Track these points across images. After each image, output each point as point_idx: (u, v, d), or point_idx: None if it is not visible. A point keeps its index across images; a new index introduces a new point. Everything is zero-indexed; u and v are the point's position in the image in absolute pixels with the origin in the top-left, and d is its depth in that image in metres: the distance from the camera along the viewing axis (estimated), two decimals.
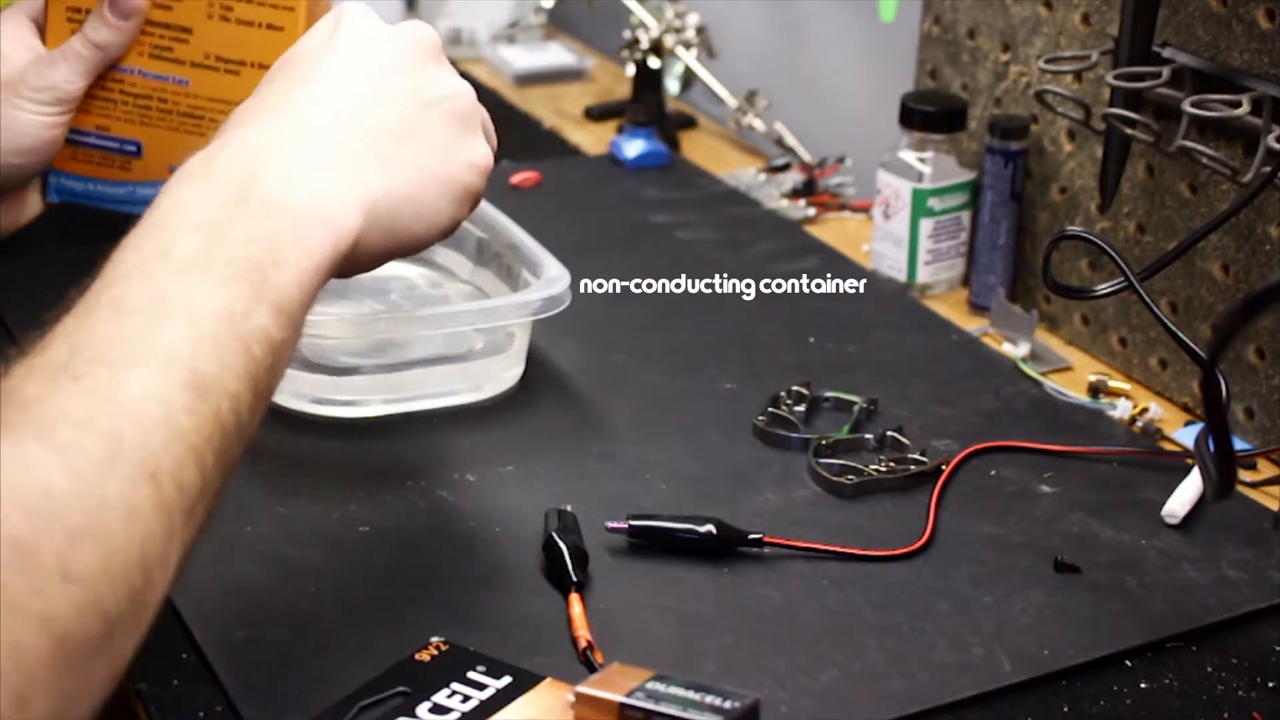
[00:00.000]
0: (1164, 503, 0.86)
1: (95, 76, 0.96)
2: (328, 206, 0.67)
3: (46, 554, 0.53)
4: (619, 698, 0.65)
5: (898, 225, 1.12)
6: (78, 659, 0.53)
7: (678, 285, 1.12)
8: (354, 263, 0.69)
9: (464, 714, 0.67)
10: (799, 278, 1.13)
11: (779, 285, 1.12)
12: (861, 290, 1.12)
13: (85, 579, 0.54)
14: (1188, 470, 0.88)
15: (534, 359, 0.97)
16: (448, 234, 0.74)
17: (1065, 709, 0.72)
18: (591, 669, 0.71)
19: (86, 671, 0.54)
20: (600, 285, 1.08)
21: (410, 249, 0.73)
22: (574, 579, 0.76)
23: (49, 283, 1.03)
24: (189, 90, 0.98)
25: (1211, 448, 0.67)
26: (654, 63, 1.37)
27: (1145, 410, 0.96)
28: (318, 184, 0.68)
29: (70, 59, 0.94)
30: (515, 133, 1.36)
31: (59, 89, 0.94)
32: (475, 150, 0.75)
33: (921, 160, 1.11)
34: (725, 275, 1.14)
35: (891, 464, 0.88)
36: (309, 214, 0.66)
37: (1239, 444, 0.94)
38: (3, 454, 0.54)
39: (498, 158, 0.77)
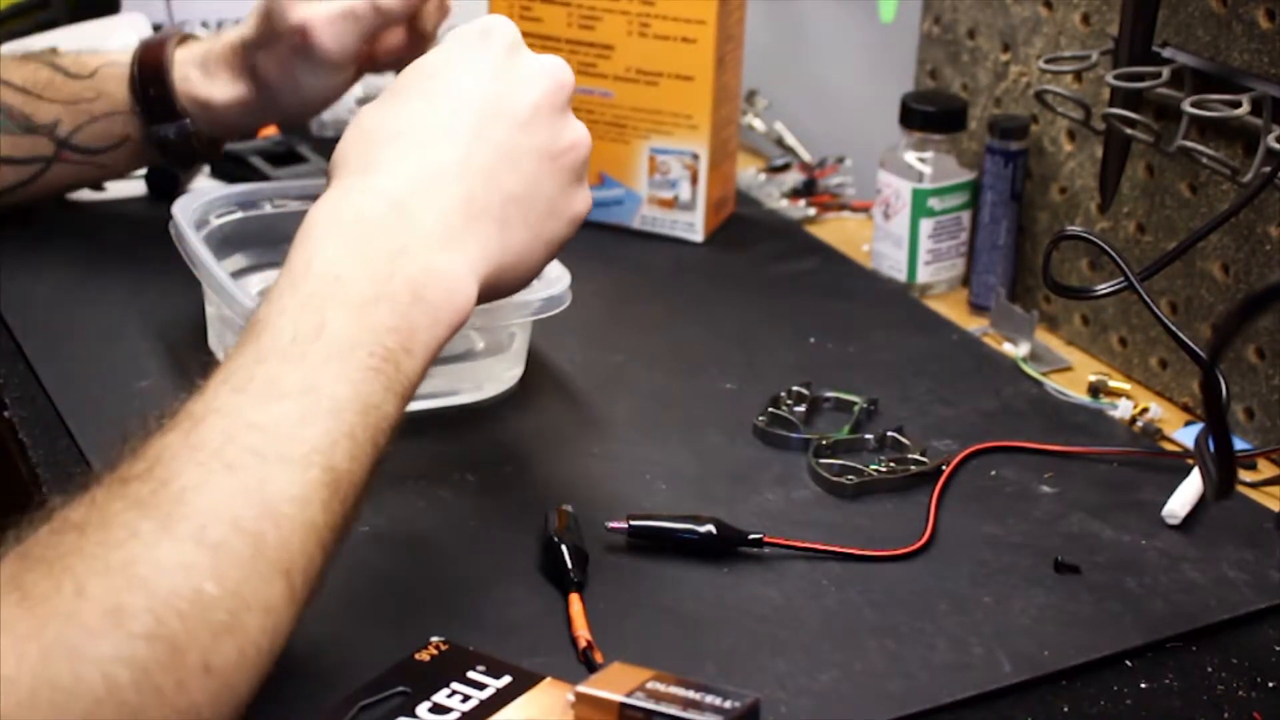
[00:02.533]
0: (1164, 503, 0.86)
1: (370, 36, 1.03)
2: (459, 292, 0.71)
3: (193, 653, 0.58)
4: (619, 697, 0.65)
5: (898, 225, 1.12)
6: None
7: (678, 285, 1.12)
8: None
9: (464, 714, 0.67)
10: (799, 278, 1.13)
11: (779, 285, 1.12)
12: (861, 290, 1.12)
13: (223, 672, 0.59)
14: (1188, 470, 0.88)
15: (534, 359, 0.97)
16: (527, 285, 0.79)
17: (1065, 709, 0.72)
18: (591, 669, 0.71)
19: None
20: (600, 285, 1.08)
21: (495, 299, 0.77)
22: (574, 579, 0.76)
23: (49, 283, 1.04)
24: (613, 102, 1.12)
25: (1211, 448, 0.67)
26: None
27: (1145, 410, 0.96)
28: (453, 268, 0.71)
29: (346, 23, 1.01)
30: None
31: (327, 55, 1.01)
32: (579, 203, 0.78)
33: (921, 160, 1.11)
34: (726, 275, 1.14)
35: (891, 464, 0.88)
36: (444, 303, 0.70)
37: (1239, 444, 0.94)
38: (166, 556, 0.59)
39: None
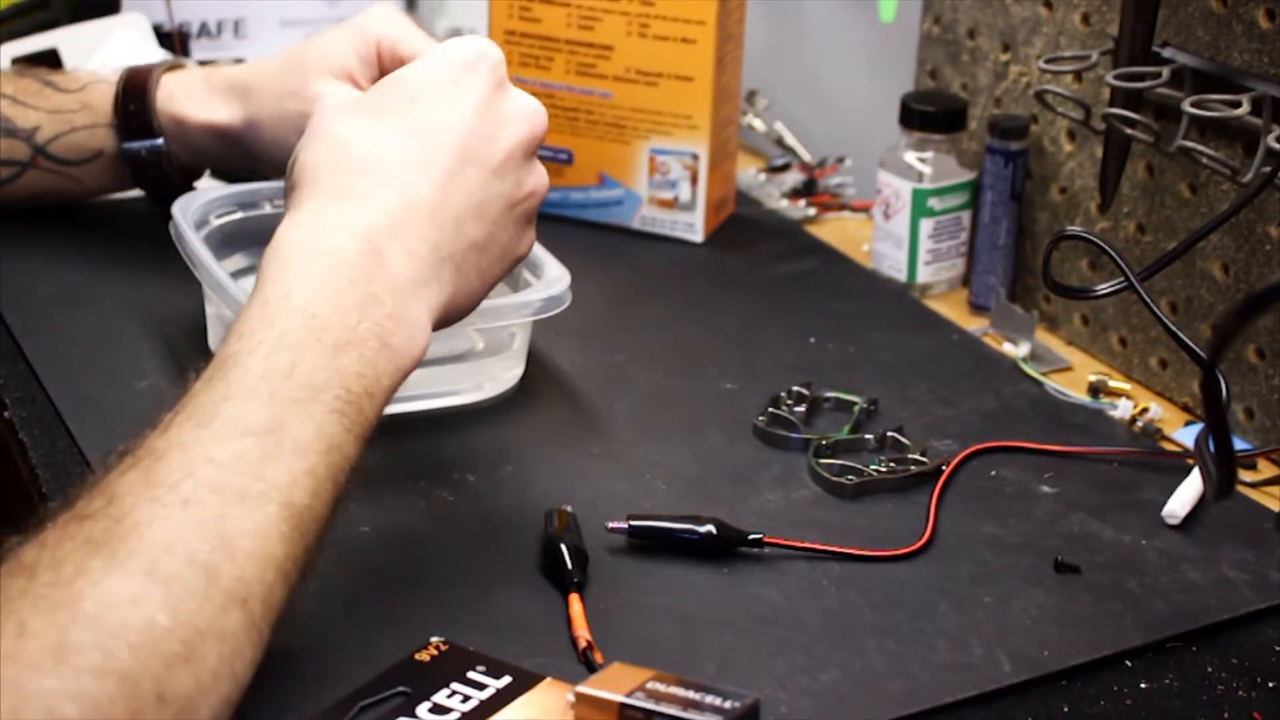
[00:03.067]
0: (1164, 503, 0.86)
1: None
2: (418, 339, 0.73)
3: (146, 682, 0.58)
4: (619, 698, 0.65)
5: (898, 225, 1.12)
6: None
7: (678, 285, 1.12)
8: None
9: (464, 714, 0.67)
10: (799, 278, 1.13)
11: (779, 285, 1.12)
12: (861, 290, 1.12)
13: (179, 699, 0.59)
14: (1188, 470, 0.88)
15: (534, 359, 0.97)
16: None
17: (1065, 709, 0.72)
18: (591, 669, 0.71)
19: None
20: (600, 285, 1.08)
21: (439, 329, 0.77)
22: (574, 579, 0.76)
23: (49, 283, 1.04)
24: (612, 102, 1.13)
25: (1211, 448, 0.67)
26: None
27: (1145, 410, 0.96)
28: (417, 316, 0.73)
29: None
30: None
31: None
32: (525, 246, 0.80)
33: (921, 160, 1.11)
34: (726, 275, 1.14)
35: (891, 464, 0.88)
36: (405, 349, 0.72)
37: (1239, 444, 0.94)
38: (116, 589, 0.59)
39: None
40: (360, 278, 0.71)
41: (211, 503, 0.63)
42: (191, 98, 1.04)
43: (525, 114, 0.78)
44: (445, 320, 0.77)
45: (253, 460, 0.65)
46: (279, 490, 0.65)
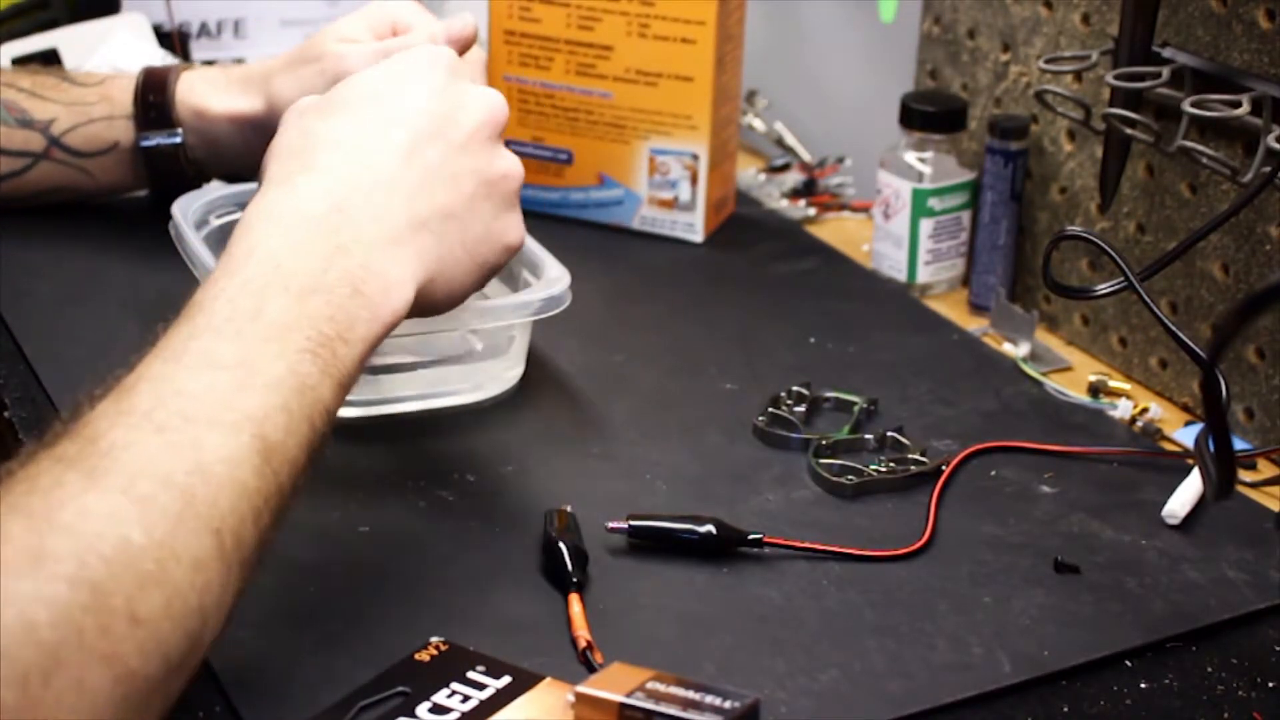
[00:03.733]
0: (1164, 503, 0.86)
1: None
2: (395, 292, 0.73)
3: (117, 597, 0.57)
4: (619, 698, 0.65)
5: (898, 225, 1.12)
6: (135, 696, 0.57)
7: (678, 285, 1.12)
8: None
9: (464, 714, 0.67)
10: (799, 278, 1.13)
11: (779, 285, 1.12)
12: (861, 290, 1.12)
13: (149, 620, 0.58)
14: (1188, 470, 0.88)
15: (534, 359, 0.97)
16: (457, 305, 0.80)
17: (1065, 709, 0.72)
18: (591, 669, 0.71)
19: (145, 707, 0.58)
20: (600, 285, 1.08)
21: (427, 315, 0.79)
22: (574, 579, 0.76)
23: (49, 282, 1.04)
24: (612, 103, 1.13)
25: (1211, 448, 0.67)
26: None
27: (1145, 410, 0.96)
28: (390, 268, 0.73)
29: (378, 58, 0.99)
30: None
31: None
32: (513, 232, 0.80)
33: (921, 160, 1.11)
34: (726, 275, 1.14)
35: (891, 464, 0.88)
36: (381, 299, 0.72)
37: (1239, 444, 0.94)
38: (91, 505, 0.59)
39: None
40: (327, 231, 0.72)
41: (185, 430, 0.63)
42: (213, 90, 1.05)
43: (483, 99, 0.80)
44: (435, 292, 0.77)
45: (224, 391, 0.65)
46: (252, 421, 0.64)
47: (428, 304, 0.77)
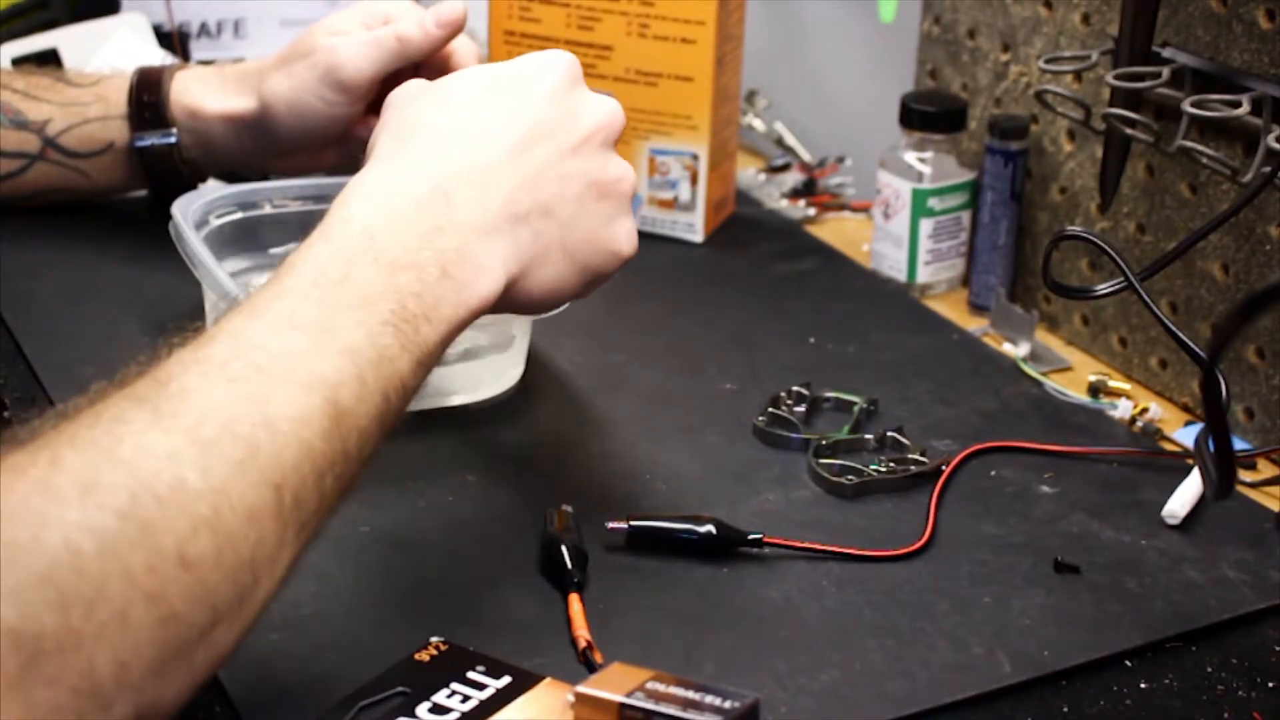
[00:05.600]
0: (1164, 503, 0.86)
1: (385, 73, 1.02)
2: (485, 279, 0.72)
3: (168, 537, 0.57)
4: (619, 698, 0.65)
5: (898, 225, 1.12)
6: (178, 641, 0.57)
7: (678, 285, 1.12)
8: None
9: (464, 714, 0.67)
10: (799, 278, 1.13)
11: (779, 285, 1.12)
12: (861, 290, 1.12)
13: (199, 566, 0.58)
14: (1188, 470, 0.88)
15: (534, 359, 0.97)
16: (558, 307, 0.79)
17: (1065, 709, 0.72)
18: (591, 669, 0.71)
19: (186, 655, 0.58)
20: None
21: (523, 312, 0.78)
22: (574, 579, 0.76)
23: (49, 282, 1.04)
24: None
25: (1211, 448, 0.67)
26: None
27: (1145, 410, 0.96)
28: (483, 255, 0.72)
29: (368, 48, 1.01)
30: None
31: (343, 73, 1.01)
32: (624, 239, 0.78)
33: (921, 160, 1.11)
34: (726, 275, 1.14)
35: (891, 464, 0.88)
36: (471, 283, 0.71)
37: (1239, 444, 0.94)
38: (153, 442, 0.59)
39: None
40: (425, 212, 0.71)
41: (257, 382, 0.62)
42: (207, 89, 1.05)
43: (603, 106, 0.79)
44: (530, 290, 0.75)
45: (301, 351, 0.64)
46: (325, 385, 0.64)
47: (522, 299, 0.76)
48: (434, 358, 0.70)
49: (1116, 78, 0.96)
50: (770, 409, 0.93)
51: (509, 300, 0.74)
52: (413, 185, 0.72)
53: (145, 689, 0.56)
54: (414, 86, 0.79)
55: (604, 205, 0.77)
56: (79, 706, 0.54)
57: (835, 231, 1.23)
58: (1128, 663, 0.75)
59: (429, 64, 1.04)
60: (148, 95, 1.05)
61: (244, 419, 0.61)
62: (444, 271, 0.70)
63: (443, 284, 0.70)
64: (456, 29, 1.03)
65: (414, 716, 0.67)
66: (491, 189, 0.74)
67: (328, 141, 1.05)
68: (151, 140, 1.06)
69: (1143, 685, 0.74)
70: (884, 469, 0.88)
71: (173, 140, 1.06)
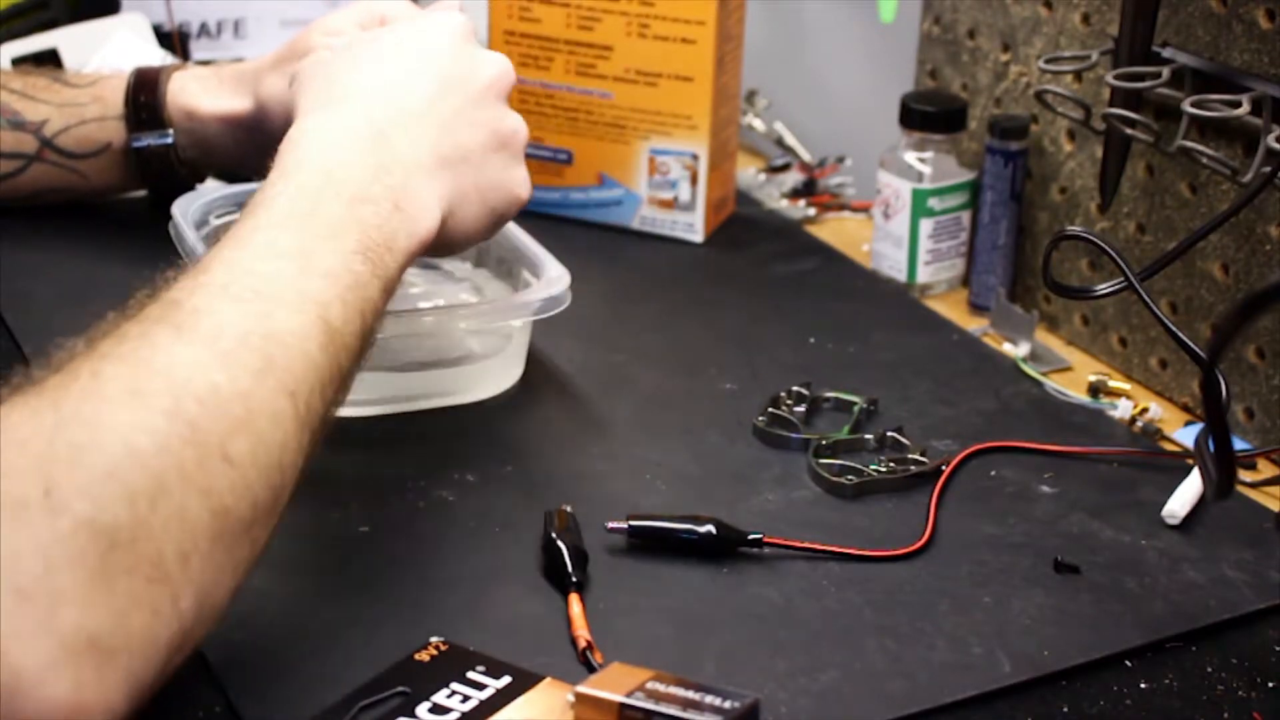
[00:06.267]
0: (1164, 503, 0.86)
1: None
2: (428, 214, 0.79)
3: (212, 436, 0.61)
4: (619, 698, 0.65)
5: (898, 225, 1.12)
6: (228, 534, 0.61)
7: (678, 285, 1.12)
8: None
9: (464, 714, 0.67)
10: (799, 278, 1.13)
11: (779, 285, 1.12)
12: (861, 290, 1.12)
13: (239, 463, 0.62)
14: (1188, 470, 0.88)
15: (534, 359, 0.97)
16: (469, 247, 0.89)
17: (1065, 709, 0.72)
18: (591, 669, 0.71)
19: (234, 549, 0.62)
20: (600, 285, 1.08)
21: (442, 253, 0.87)
22: (574, 579, 0.76)
23: (49, 283, 1.04)
24: (613, 102, 1.13)
25: (1211, 448, 0.67)
26: None
27: (1145, 410, 0.96)
28: (424, 194, 0.79)
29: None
30: None
31: None
32: (521, 185, 0.86)
33: (921, 160, 1.11)
34: (726, 275, 1.14)
35: (891, 464, 0.88)
36: (419, 217, 0.78)
37: (1239, 444, 0.94)
38: (180, 354, 0.63)
39: None
40: (371, 149, 0.78)
41: (257, 302, 0.67)
42: (204, 90, 1.05)
43: (495, 60, 0.86)
44: (452, 229, 0.82)
45: (289, 275, 0.69)
46: (316, 304, 0.69)
47: (444, 239, 0.82)
48: (395, 285, 0.76)
49: (1116, 78, 0.96)
50: (770, 409, 0.93)
51: (438, 239, 0.80)
52: (355, 128, 0.78)
53: (205, 582, 0.60)
54: (322, 54, 0.86)
55: (503, 154, 0.85)
56: (153, 596, 0.58)
57: (835, 231, 1.23)
58: (1128, 663, 0.75)
59: None
60: (144, 96, 1.06)
61: (254, 332, 0.65)
62: (395, 205, 0.76)
63: (396, 217, 0.76)
64: None
65: (414, 716, 0.67)
66: (421, 133, 0.80)
67: None
68: (148, 141, 1.06)
69: (1143, 685, 0.74)
70: (884, 469, 0.88)
71: (169, 141, 1.06)
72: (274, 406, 0.64)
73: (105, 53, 1.24)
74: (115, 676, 0.56)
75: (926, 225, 1.11)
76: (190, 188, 1.07)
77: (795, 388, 0.95)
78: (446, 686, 0.68)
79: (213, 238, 0.97)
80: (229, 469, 0.61)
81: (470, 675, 0.69)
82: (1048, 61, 1.02)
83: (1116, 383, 1.00)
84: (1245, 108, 0.89)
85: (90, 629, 0.56)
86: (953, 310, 1.11)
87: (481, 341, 0.96)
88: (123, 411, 0.59)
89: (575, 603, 0.75)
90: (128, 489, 0.58)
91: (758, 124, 1.35)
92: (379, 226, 0.75)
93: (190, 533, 0.59)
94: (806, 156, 1.32)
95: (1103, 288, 0.93)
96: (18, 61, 1.24)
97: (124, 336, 0.63)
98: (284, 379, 0.65)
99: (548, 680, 0.69)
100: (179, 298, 0.66)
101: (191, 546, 0.59)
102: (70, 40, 1.25)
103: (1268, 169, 0.88)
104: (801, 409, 0.93)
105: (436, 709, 0.67)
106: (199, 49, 1.37)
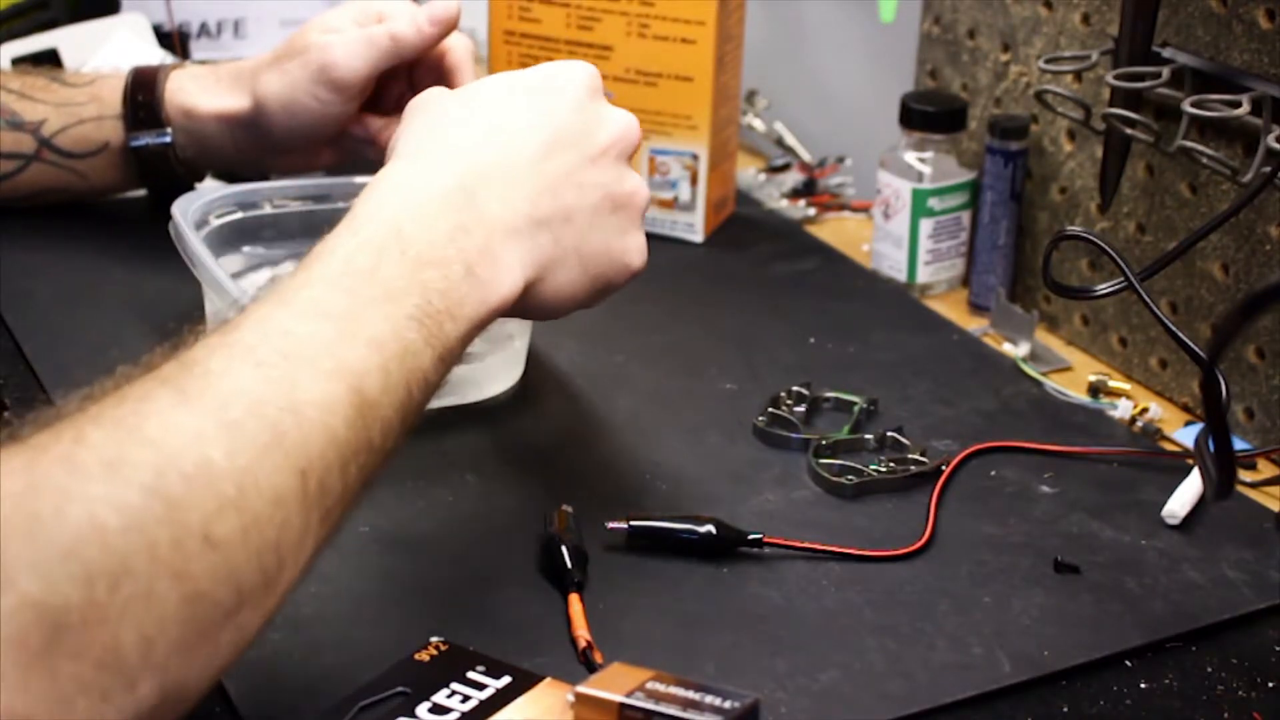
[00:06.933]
0: (1164, 503, 0.86)
1: (379, 72, 1.03)
2: (507, 279, 0.73)
3: (193, 514, 0.57)
4: (619, 698, 0.65)
5: (898, 225, 1.12)
6: (205, 620, 0.57)
7: (678, 285, 1.12)
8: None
9: (464, 714, 0.67)
10: (799, 278, 1.13)
11: (779, 285, 1.12)
12: (861, 290, 1.12)
13: (224, 545, 0.57)
14: (1188, 470, 0.88)
15: (534, 359, 0.97)
16: (566, 314, 0.79)
17: (1065, 709, 0.72)
18: (591, 669, 0.71)
19: (211, 636, 0.57)
20: None
21: (533, 318, 0.81)
22: (574, 579, 0.76)
23: (49, 282, 1.04)
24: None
25: (1211, 448, 0.67)
26: None
27: (1145, 410, 0.96)
28: (506, 257, 0.73)
29: (361, 46, 1.02)
30: None
31: (337, 72, 1.02)
32: (635, 253, 0.79)
33: (921, 160, 1.11)
34: (726, 275, 1.14)
35: (891, 464, 0.88)
36: (493, 283, 0.72)
37: (1239, 444, 0.94)
38: (179, 421, 0.58)
39: None
40: (451, 209, 0.72)
41: (284, 368, 0.62)
42: (201, 89, 1.05)
43: (621, 119, 0.80)
44: (543, 295, 0.76)
45: (327, 339, 0.64)
46: (351, 374, 0.64)
47: (534, 304, 0.76)
48: (455, 355, 0.70)
49: (1116, 78, 0.96)
50: (770, 409, 0.93)
51: (523, 304, 0.75)
52: (439, 182, 0.73)
53: (170, 668, 0.56)
54: (437, 91, 0.79)
55: (618, 217, 0.78)
56: (103, 682, 0.54)
57: (835, 231, 1.23)
58: (1128, 663, 0.75)
59: (422, 62, 1.04)
60: (142, 95, 1.06)
61: (270, 403, 0.61)
62: (468, 269, 0.71)
63: (467, 282, 0.70)
64: (450, 27, 1.03)
65: (414, 716, 0.67)
66: (516, 190, 0.74)
67: (323, 140, 1.05)
68: (146, 140, 1.06)
69: (1143, 685, 0.74)
70: (884, 469, 0.88)
71: (167, 140, 1.06)
72: (276, 486, 0.60)
73: (105, 53, 1.24)
74: None
75: (926, 225, 1.11)
76: (189, 187, 1.07)
77: (795, 388, 0.95)
78: (446, 686, 0.68)
79: (213, 238, 0.97)
80: (209, 551, 0.57)
81: (470, 675, 0.69)
82: (1048, 61, 1.02)
83: (1116, 383, 1.00)
84: (1245, 108, 0.89)
85: (23, 715, 0.52)
86: (953, 310, 1.11)
87: (481, 341, 0.96)
88: (95, 484, 0.55)
89: (575, 602, 0.75)
90: (85, 569, 0.53)
91: (758, 124, 1.35)
92: (444, 292, 0.69)
93: (156, 618, 0.55)
94: (806, 156, 1.32)
95: (1103, 288, 0.93)
96: (17, 61, 1.24)
97: (124, 398, 0.59)
98: (294, 455, 0.60)
99: (548, 680, 0.69)
100: (197, 357, 0.62)
101: (157, 632, 0.55)
102: (70, 40, 1.25)
103: (1268, 169, 0.88)
104: (801, 409, 0.93)
105: (436, 709, 0.67)
106: (199, 49, 1.38)
